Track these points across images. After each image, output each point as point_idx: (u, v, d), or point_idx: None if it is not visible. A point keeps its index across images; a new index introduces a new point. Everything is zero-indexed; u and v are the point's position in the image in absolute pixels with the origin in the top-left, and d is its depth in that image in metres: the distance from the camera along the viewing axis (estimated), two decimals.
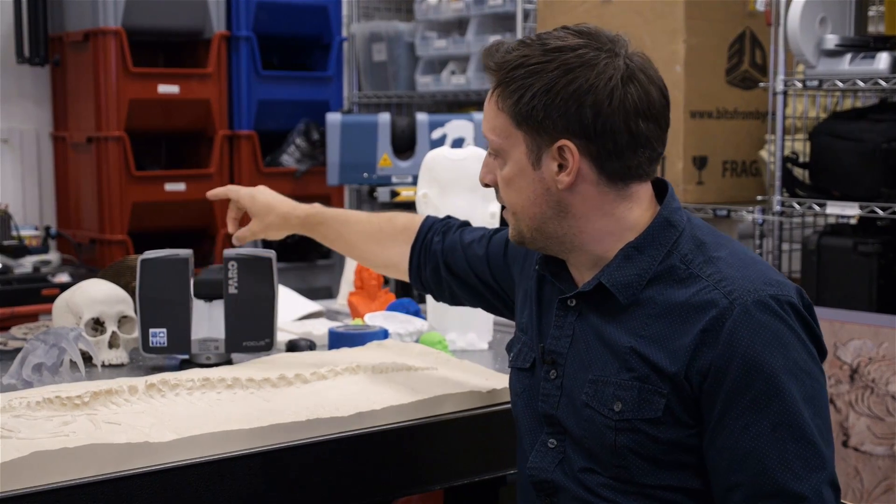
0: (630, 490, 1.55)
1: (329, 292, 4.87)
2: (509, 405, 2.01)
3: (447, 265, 1.97)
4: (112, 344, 2.28)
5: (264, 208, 2.15)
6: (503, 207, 1.68)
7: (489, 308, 1.99)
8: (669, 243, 1.58)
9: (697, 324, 1.50)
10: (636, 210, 1.60)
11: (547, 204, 1.59)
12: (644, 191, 1.61)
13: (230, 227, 2.19)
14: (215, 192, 2.22)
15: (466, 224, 2.03)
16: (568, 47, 1.54)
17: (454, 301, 2.03)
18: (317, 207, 2.15)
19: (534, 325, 1.71)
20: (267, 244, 5.02)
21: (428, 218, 2.06)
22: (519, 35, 4.85)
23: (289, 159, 5.26)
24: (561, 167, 1.56)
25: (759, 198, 3.86)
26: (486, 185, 1.68)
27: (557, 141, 1.55)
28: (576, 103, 1.53)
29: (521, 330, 1.77)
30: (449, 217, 2.06)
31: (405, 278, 2.06)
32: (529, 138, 1.57)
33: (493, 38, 5.04)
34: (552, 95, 1.53)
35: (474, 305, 2.01)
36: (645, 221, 1.60)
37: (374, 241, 2.08)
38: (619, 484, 1.56)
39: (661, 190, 1.65)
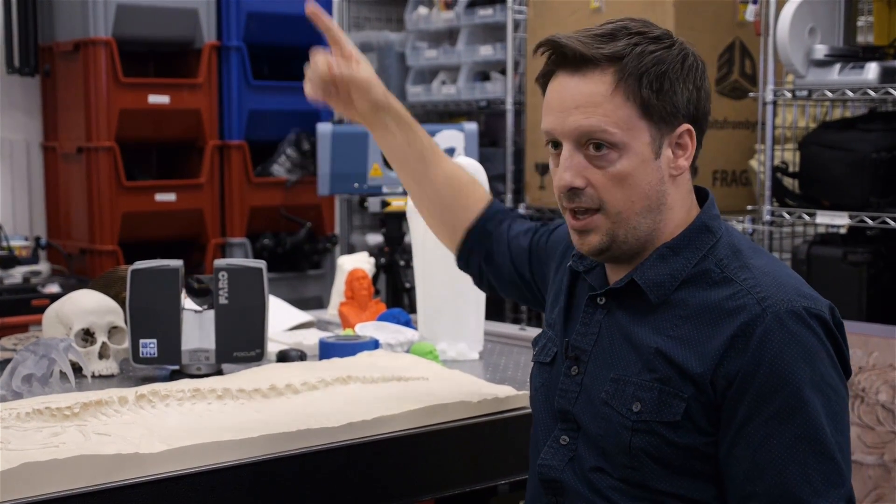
0: (639, 495, 1.53)
1: (320, 302, 4.86)
2: (500, 415, 2.01)
3: (488, 256, 1.93)
4: (102, 355, 2.27)
5: (368, 78, 1.87)
6: (583, 212, 1.57)
7: (522, 300, 1.97)
8: (705, 248, 1.57)
9: (728, 328, 1.48)
10: (688, 205, 1.61)
11: (655, 195, 1.55)
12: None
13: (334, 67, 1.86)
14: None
15: (518, 214, 2.00)
16: (666, 34, 1.56)
17: (492, 291, 2.00)
18: (399, 104, 1.93)
19: (560, 320, 1.69)
20: (258, 254, 5.03)
21: (494, 202, 1.98)
22: (509, 45, 4.86)
23: (279, 169, 5.26)
24: (676, 153, 1.56)
25: (749, 207, 3.87)
26: (573, 189, 1.55)
27: (680, 125, 1.55)
28: (695, 88, 1.54)
29: (549, 325, 1.75)
30: (512, 209, 2.01)
31: (449, 246, 1.99)
32: (654, 127, 1.53)
33: (484, 49, 5.06)
34: (680, 82, 1.53)
35: (510, 296, 1.99)
36: (684, 220, 1.59)
37: (456, 192, 1.95)
38: (629, 487, 1.54)
39: (701, 197, 1.64)
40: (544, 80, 1.60)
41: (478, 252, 1.96)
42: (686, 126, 1.55)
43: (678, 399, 1.49)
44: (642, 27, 1.55)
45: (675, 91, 1.53)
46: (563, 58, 1.55)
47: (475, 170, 2.50)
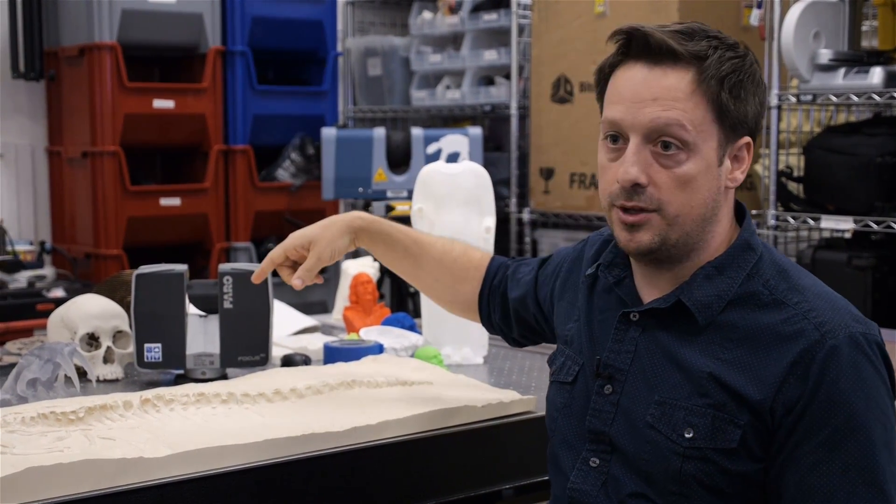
0: None
1: (324, 307, 4.87)
2: (505, 420, 2.01)
3: (506, 301, 1.92)
4: (107, 359, 2.28)
5: (318, 229, 1.92)
6: (637, 211, 1.51)
7: (541, 337, 1.92)
8: (749, 266, 1.53)
9: (787, 354, 1.44)
10: (732, 221, 1.58)
11: (713, 204, 1.52)
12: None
13: (285, 278, 1.93)
14: (261, 272, 1.96)
15: (527, 259, 1.96)
16: (737, 43, 1.53)
17: (519, 344, 1.98)
18: (370, 216, 1.96)
19: (582, 336, 1.65)
20: (262, 259, 5.02)
21: (495, 259, 1.98)
22: (514, 50, 4.87)
23: (284, 174, 5.27)
24: (734, 164, 1.53)
25: (754, 212, 3.86)
26: (636, 186, 1.50)
27: (743, 137, 1.52)
28: (761, 102, 1.53)
29: (565, 343, 1.70)
30: (514, 258, 1.98)
31: (474, 319, 2.00)
32: (723, 133, 1.50)
33: (488, 53, 5.06)
34: (752, 92, 1.51)
35: (530, 343, 1.96)
36: (726, 238, 1.56)
37: (448, 272, 1.98)
38: None
39: (738, 212, 1.60)
40: (611, 69, 1.55)
41: (495, 311, 1.96)
42: (747, 139, 1.53)
43: (734, 426, 1.45)
44: (717, 32, 1.53)
45: (747, 101, 1.51)
46: (644, 48, 1.49)
47: (479, 174, 2.51)
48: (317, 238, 1.91)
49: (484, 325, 2.00)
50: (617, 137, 1.52)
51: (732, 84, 1.49)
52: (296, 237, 1.92)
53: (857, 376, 1.42)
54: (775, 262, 1.54)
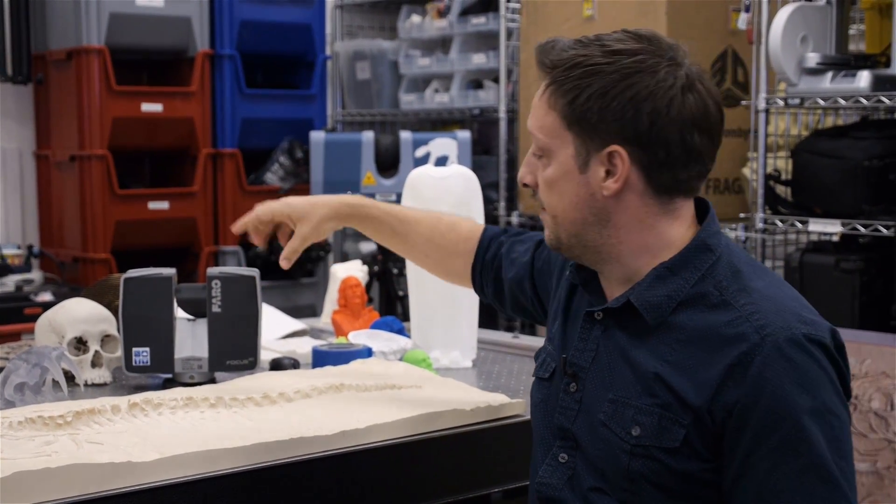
0: None
1: (313, 310, 4.86)
2: (494, 423, 2.01)
3: (495, 280, 1.95)
4: (95, 363, 2.27)
5: (307, 206, 2.02)
6: (542, 210, 1.62)
7: (531, 318, 1.96)
8: (704, 267, 1.53)
9: (725, 357, 1.45)
10: (676, 227, 1.56)
11: (589, 210, 1.54)
12: (687, 208, 1.57)
13: (259, 241, 2.04)
14: (243, 223, 2.05)
15: (520, 233, 1.98)
16: (629, 51, 1.50)
17: (515, 313, 1.99)
18: (360, 198, 2.06)
19: (559, 335, 1.68)
20: (251, 262, 5.03)
21: (486, 231, 2.00)
22: (502, 53, 4.88)
23: (272, 177, 5.26)
24: (608, 173, 1.52)
25: (742, 215, 3.87)
26: (525, 186, 1.62)
27: (609, 146, 1.50)
28: (633, 109, 1.48)
29: (549, 340, 1.73)
30: (506, 230, 2.01)
31: (468, 286, 2.04)
32: (579, 140, 1.52)
33: (477, 57, 5.07)
34: (609, 98, 1.48)
35: (524, 318, 1.99)
36: (683, 241, 1.56)
37: (437, 247, 2.02)
38: None
39: (702, 211, 1.61)
40: None
41: (488, 283, 1.98)
42: (615, 147, 1.50)
43: (678, 426, 1.47)
44: (614, 40, 1.52)
45: (601, 107, 1.49)
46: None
47: (467, 178, 2.51)
48: (305, 216, 2.01)
49: (479, 296, 2.04)
50: None
51: (570, 88, 1.51)
52: (287, 207, 2.02)
53: (799, 377, 1.43)
54: (731, 262, 1.55)
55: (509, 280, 1.92)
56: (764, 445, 1.43)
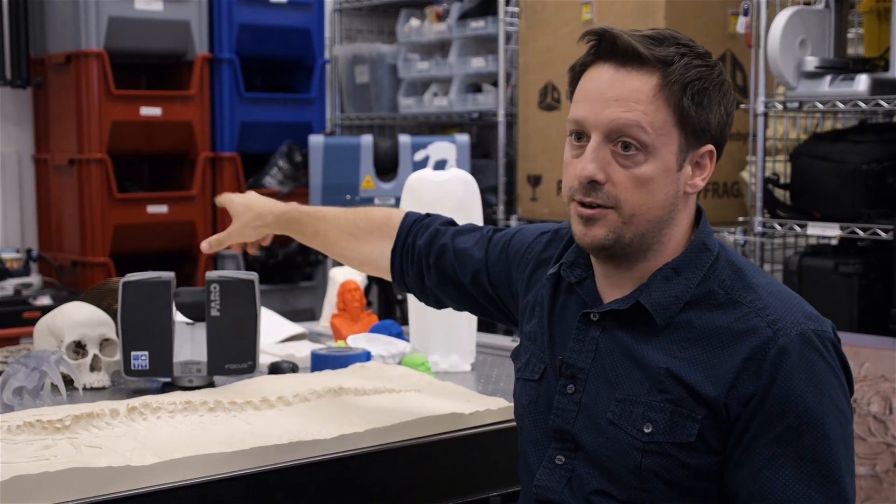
0: None
1: (312, 314, 4.86)
2: (492, 427, 2.01)
3: (436, 269, 1.90)
4: (94, 367, 2.27)
5: (241, 207, 2.13)
6: (595, 207, 1.53)
7: (479, 312, 1.93)
8: (705, 267, 1.55)
9: (740, 351, 1.47)
10: (691, 225, 1.60)
11: (669, 208, 1.54)
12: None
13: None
14: (218, 200, 2.23)
15: (451, 222, 1.95)
16: (708, 53, 1.55)
17: (439, 305, 1.96)
18: (293, 205, 2.13)
19: (544, 334, 1.67)
20: (249, 266, 5.02)
21: (408, 216, 1.98)
22: (501, 57, 4.87)
23: (271, 181, 5.26)
24: (695, 170, 1.55)
25: (741, 219, 3.87)
26: (592, 182, 1.52)
27: (706, 145, 1.55)
28: (727, 112, 1.55)
29: (529, 339, 1.71)
30: (429, 214, 1.98)
31: (387, 276, 2.00)
32: (684, 139, 1.52)
33: (476, 60, 5.07)
34: (717, 101, 1.53)
35: (461, 309, 1.95)
36: (683, 239, 1.58)
37: (350, 237, 2.02)
38: None
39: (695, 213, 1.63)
40: (581, 69, 1.58)
41: (409, 269, 1.94)
42: (710, 147, 1.55)
43: (692, 420, 1.48)
44: (688, 41, 1.55)
45: (711, 109, 1.53)
46: (613, 49, 1.53)
47: (466, 181, 2.51)
48: (237, 215, 2.14)
49: (396, 283, 1.99)
50: (581, 135, 1.55)
51: (696, 91, 1.51)
52: (229, 202, 2.16)
53: (809, 372, 1.45)
54: (731, 262, 1.57)
55: (463, 275, 1.86)
56: (767, 435, 1.45)
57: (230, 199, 2.16)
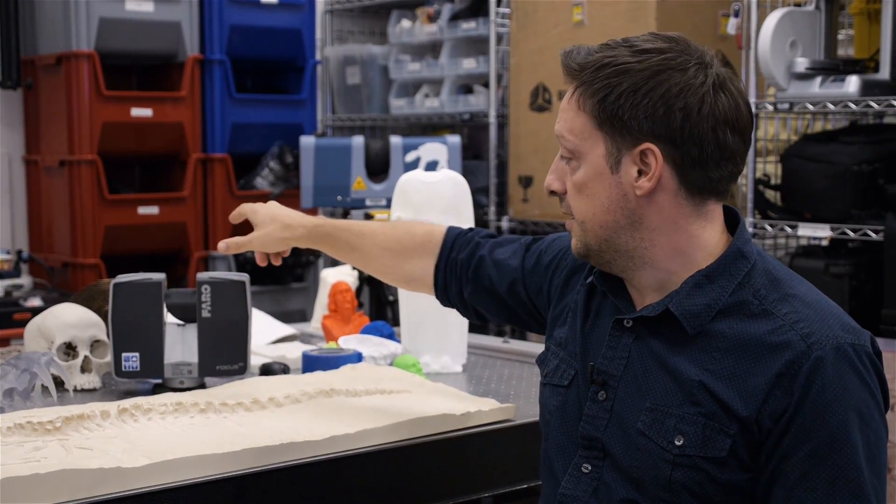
0: None
1: (303, 315, 4.86)
2: (484, 428, 2.01)
3: (474, 280, 1.89)
4: (84, 368, 2.27)
5: (267, 217, 2.02)
6: (570, 218, 1.59)
7: (516, 322, 1.91)
8: (740, 275, 1.52)
9: (772, 366, 1.44)
10: (709, 231, 1.54)
11: (621, 212, 1.52)
12: (718, 212, 1.55)
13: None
14: (233, 216, 2.09)
15: (491, 235, 1.95)
16: (657, 49, 1.49)
17: (479, 319, 1.97)
18: (324, 219, 2.06)
19: (576, 340, 1.65)
20: (240, 267, 5.02)
21: (450, 231, 1.97)
22: (492, 58, 4.88)
23: (263, 182, 5.26)
24: (641, 173, 1.50)
25: None
26: (553, 193, 1.59)
27: (641, 144, 1.49)
28: (664, 105, 1.47)
29: (558, 344, 1.69)
30: (471, 229, 1.98)
31: (430, 293, 1.99)
32: (610, 140, 1.50)
33: (467, 62, 5.07)
34: (640, 96, 1.47)
35: (499, 321, 1.96)
36: (717, 247, 1.54)
37: (393, 254, 1.98)
38: None
39: (731, 219, 1.59)
40: None
41: (451, 284, 1.94)
42: (648, 145, 1.49)
43: (724, 435, 1.46)
44: (647, 42, 1.52)
45: (632, 104, 1.48)
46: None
47: (457, 182, 2.51)
48: (260, 224, 2.01)
49: (439, 298, 1.98)
50: None
51: (600, 87, 1.50)
52: (252, 212, 2.03)
53: (842, 388, 1.42)
54: (767, 270, 1.54)
55: (500, 284, 1.87)
56: (799, 452, 1.42)
57: (253, 209, 2.05)
